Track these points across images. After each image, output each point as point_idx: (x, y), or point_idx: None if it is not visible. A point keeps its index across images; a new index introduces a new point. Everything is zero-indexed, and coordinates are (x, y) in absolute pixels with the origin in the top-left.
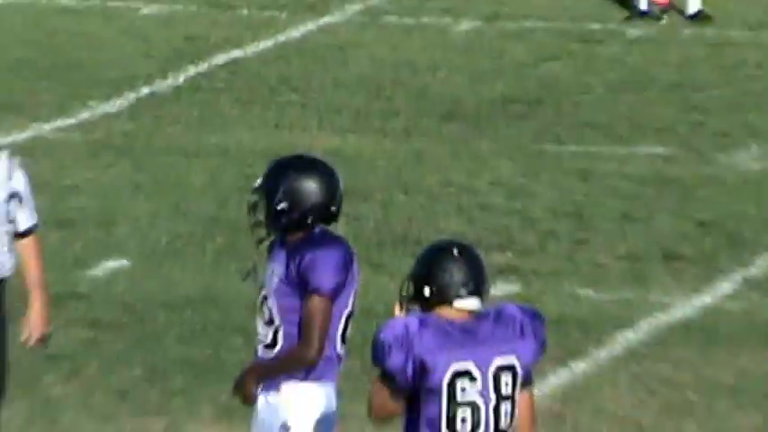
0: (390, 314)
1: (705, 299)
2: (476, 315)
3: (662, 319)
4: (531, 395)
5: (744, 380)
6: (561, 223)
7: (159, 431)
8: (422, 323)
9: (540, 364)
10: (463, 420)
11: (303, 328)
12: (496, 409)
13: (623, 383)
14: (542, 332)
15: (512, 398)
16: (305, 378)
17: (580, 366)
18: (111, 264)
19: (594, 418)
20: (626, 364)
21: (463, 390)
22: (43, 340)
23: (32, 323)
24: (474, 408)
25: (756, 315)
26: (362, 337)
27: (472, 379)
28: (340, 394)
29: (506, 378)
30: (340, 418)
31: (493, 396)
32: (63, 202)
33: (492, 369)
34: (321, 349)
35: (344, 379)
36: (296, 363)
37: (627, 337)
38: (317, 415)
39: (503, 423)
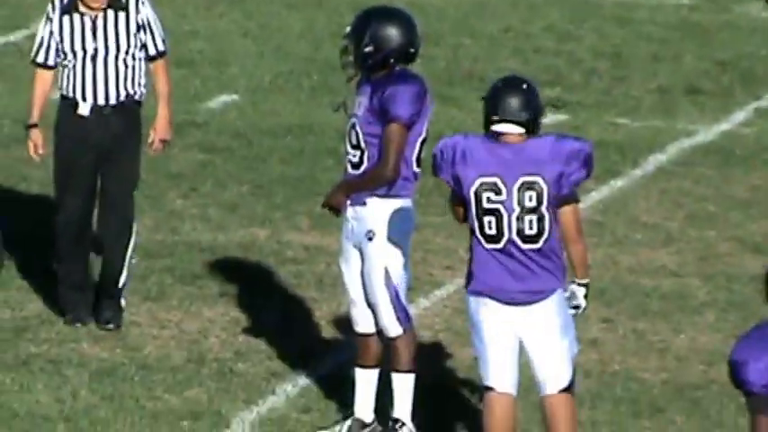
0: None
1: (723, 126)
2: (521, 139)
3: (687, 143)
4: (574, 210)
5: (755, 194)
6: (602, 63)
7: (264, 239)
8: (465, 141)
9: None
10: (489, 225)
11: (382, 150)
12: (520, 218)
13: (654, 197)
14: (576, 159)
15: (537, 210)
16: (386, 194)
17: (618, 183)
18: (224, 97)
19: (629, 226)
20: (656, 181)
21: (488, 200)
22: (164, 144)
23: (158, 128)
24: (498, 216)
25: (766, 139)
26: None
27: (498, 192)
28: (416, 206)
29: (530, 194)
30: (416, 227)
31: (516, 207)
32: (183, 45)
33: (516, 185)
34: (396, 169)
35: (419, 194)
36: (375, 180)
37: (657, 158)
38: (396, 223)
39: (527, 230)
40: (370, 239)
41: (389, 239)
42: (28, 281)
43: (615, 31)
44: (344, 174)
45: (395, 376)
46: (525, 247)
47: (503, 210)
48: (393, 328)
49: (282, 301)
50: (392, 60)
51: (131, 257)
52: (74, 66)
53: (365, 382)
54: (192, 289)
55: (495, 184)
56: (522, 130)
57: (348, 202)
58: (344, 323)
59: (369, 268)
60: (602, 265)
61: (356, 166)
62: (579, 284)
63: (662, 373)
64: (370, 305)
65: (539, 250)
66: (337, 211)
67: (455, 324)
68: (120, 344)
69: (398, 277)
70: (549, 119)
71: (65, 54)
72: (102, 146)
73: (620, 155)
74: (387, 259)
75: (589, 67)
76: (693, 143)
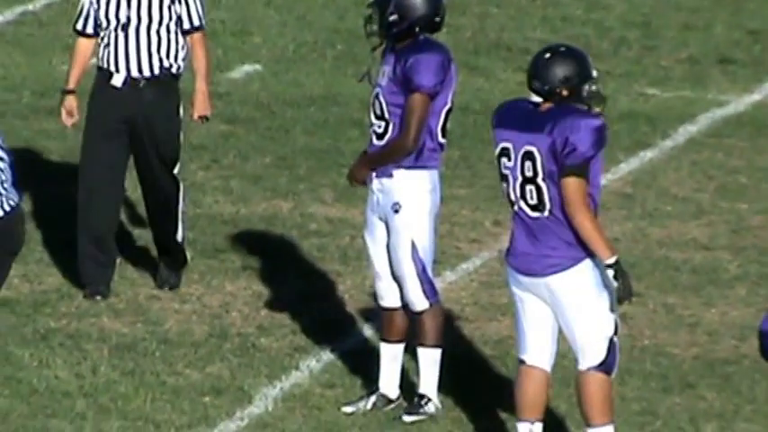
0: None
1: (755, 96)
2: (544, 108)
3: (718, 113)
4: (571, 183)
5: None
6: (631, 32)
7: (287, 212)
8: (509, 104)
9: (613, 152)
10: (505, 190)
11: (404, 120)
12: (522, 187)
13: (684, 169)
14: (575, 133)
15: (534, 181)
16: (412, 165)
17: (647, 155)
18: (247, 67)
19: (660, 198)
20: (687, 153)
21: (504, 165)
22: (203, 119)
23: (196, 104)
24: (507, 181)
25: None
26: (462, 130)
27: (509, 158)
28: (442, 178)
29: (528, 163)
30: (442, 199)
31: (519, 176)
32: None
33: (521, 153)
34: (418, 139)
35: (445, 166)
36: (397, 151)
37: (688, 130)
38: (423, 195)
39: (529, 199)
40: (396, 212)
41: (416, 212)
42: (47, 254)
43: None
44: (369, 143)
45: (421, 351)
46: (533, 214)
47: (510, 176)
48: (419, 302)
49: (306, 274)
50: (417, 29)
51: (183, 211)
52: (108, 35)
53: (390, 357)
54: (214, 262)
55: (508, 150)
56: (538, 99)
57: (373, 174)
58: (369, 297)
59: (395, 241)
60: (631, 239)
61: (381, 136)
62: (606, 265)
63: (692, 348)
64: (396, 279)
65: (548, 219)
66: (358, 182)
67: (482, 298)
68: (141, 318)
69: (425, 250)
70: None
71: (101, 23)
72: (135, 119)
73: (649, 126)
74: (413, 232)
75: (618, 37)
76: (725, 114)
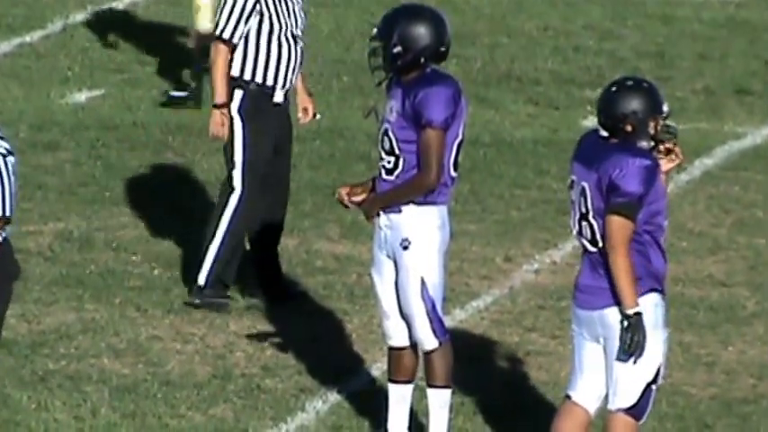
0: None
1: None
2: (608, 142)
3: (734, 146)
4: (612, 222)
5: None
6: (645, 62)
7: (292, 248)
8: (587, 133)
9: None
10: (570, 222)
11: (421, 157)
12: (579, 222)
13: (701, 203)
14: (620, 170)
15: (587, 218)
16: (422, 200)
17: None
18: None
19: (675, 234)
20: (703, 186)
21: (570, 198)
22: (314, 116)
23: (303, 104)
24: (573, 214)
25: None
26: (471, 163)
27: (573, 191)
28: (451, 214)
29: (581, 199)
30: (452, 234)
31: (578, 210)
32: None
33: (579, 188)
34: (440, 175)
35: (455, 201)
36: (418, 189)
37: (704, 163)
38: (432, 231)
39: (585, 234)
40: (406, 248)
41: (425, 248)
42: (45, 293)
43: (659, 29)
44: (378, 178)
45: (430, 392)
46: (591, 248)
47: (571, 210)
48: (429, 341)
49: (312, 313)
50: (423, 60)
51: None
52: (273, 48)
53: (399, 397)
54: None
55: (573, 182)
56: (604, 134)
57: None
58: (377, 336)
59: (404, 279)
60: None
61: (390, 171)
62: (624, 314)
63: (709, 387)
64: (405, 317)
65: (602, 255)
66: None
67: (492, 336)
68: (142, 359)
69: (435, 288)
70: (591, 121)
71: (263, 35)
72: (280, 137)
73: None
74: (423, 269)
75: (632, 67)
76: (742, 146)
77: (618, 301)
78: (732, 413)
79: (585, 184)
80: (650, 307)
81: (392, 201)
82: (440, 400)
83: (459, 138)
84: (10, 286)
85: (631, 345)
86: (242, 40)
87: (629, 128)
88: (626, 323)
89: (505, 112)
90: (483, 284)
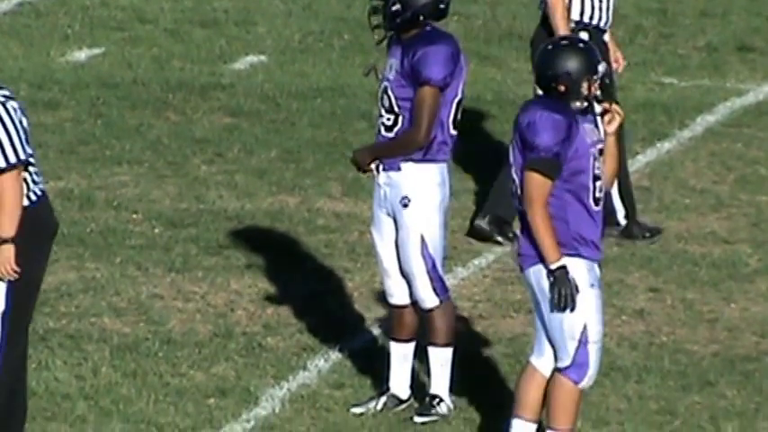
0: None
1: None
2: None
3: (737, 102)
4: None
5: None
6: (648, 19)
7: (293, 206)
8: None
9: (629, 144)
10: None
11: (414, 114)
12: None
13: (703, 160)
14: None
15: (517, 173)
16: (422, 158)
17: (665, 146)
18: (251, 58)
19: (677, 191)
20: (705, 143)
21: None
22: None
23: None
24: None
25: None
26: (471, 122)
27: None
28: (453, 171)
29: (511, 156)
30: (453, 192)
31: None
32: (207, 3)
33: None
34: (429, 134)
35: (456, 158)
36: (407, 145)
37: (706, 119)
38: (432, 189)
39: (515, 192)
40: (405, 206)
41: (425, 206)
42: None
43: None
44: (377, 135)
45: (431, 350)
46: (519, 207)
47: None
48: (429, 300)
49: (313, 271)
50: (422, 17)
51: None
52: None
53: (400, 356)
54: (218, 260)
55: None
56: (539, 92)
57: (380, 166)
58: (378, 294)
59: (404, 237)
60: None
61: (390, 129)
62: (547, 270)
63: (712, 344)
64: (405, 275)
65: (522, 215)
66: (360, 167)
67: (495, 294)
68: (143, 318)
69: (435, 246)
70: None
71: None
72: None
73: (666, 116)
74: (423, 227)
75: (634, 24)
76: (744, 103)
77: (541, 259)
78: (735, 370)
79: (514, 143)
80: (572, 270)
81: (382, 153)
82: (441, 359)
83: (459, 96)
84: (44, 244)
85: (560, 299)
86: None
87: (561, 88)
88: (551, 278)
89: (507, 69)
90: (485, 242)
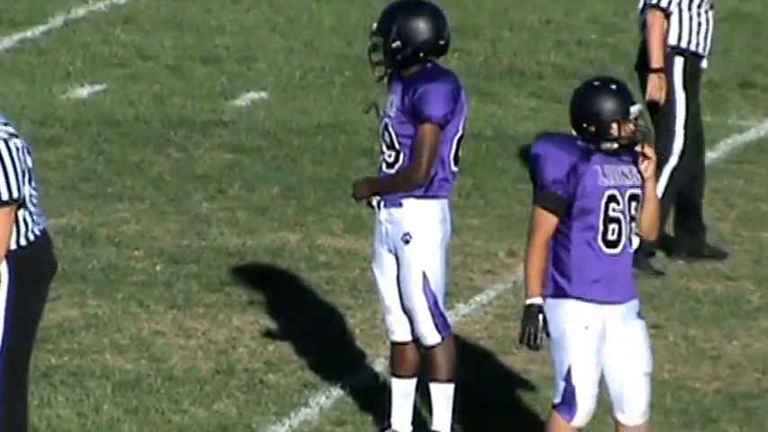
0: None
1: None
2: None
3: (738, 139)
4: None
5: None
6: None
7: (294, 243)
8: None
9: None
10: None
11: (414, 151)
12: None
13: (705, 197)
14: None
15: None
16: (423, 195)
17: None
18: (252, 95)
19: None
20: (707, 180)
21: None
22: None
23: None
24: None
25: None
26: (474, 158)
27: None
28: (454, 208)
29: None
30: (454, 229)
31: None
32: (210, 40)
33: None
34: (429, 171)
35: (457, 195)
36: (406, 182)
37: (708, 156)
38: (433, 225)
39: None
40: (407, 243)
41: (427, 242)
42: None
43: None
44: (378, 171)
45: (433, 386)
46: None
47: None
48: (431, 336)
49: (314, 308)
50: (422, 54)
51: None
52: (703, 12)
53: (402, 392)
54: (220, 296)
55: None
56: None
57: (382, 203)
58: (380, 331)
59: (405, 273)
60: None
61: (391, 165)
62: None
63: (714, 381)
64: (407, 312)
65: None
66: (358, 198)
67: (496, 331)
68: (145, 354)
69: (436, 282)
70: None
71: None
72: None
73: None
74: (424, 264)
75: (635, 60)
76: (745, 140)
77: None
78: (737, 407)
79: None
80: (555, 309)
81: (381, 187)
82: (442, 395)
83: (460, 133)
84: (42, 284)
85: (523, 336)
86: (676, 7)
87: (591, 129)
88: (522, 313)
89: (508, 105)
90: (486, 279)
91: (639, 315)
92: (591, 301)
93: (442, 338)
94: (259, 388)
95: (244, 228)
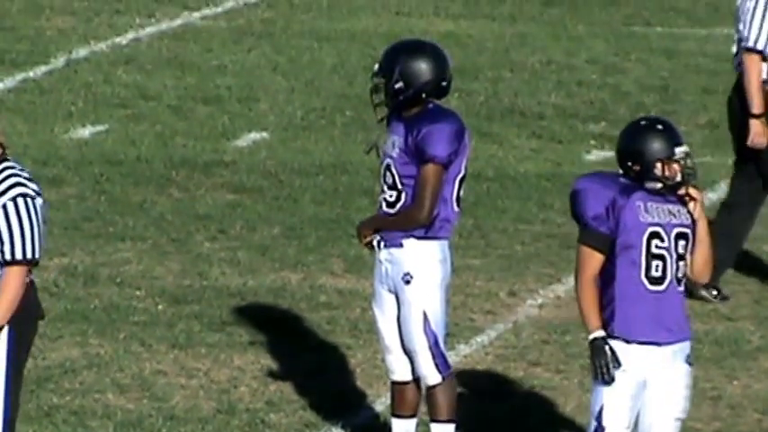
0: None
1: None
2: None
3: None
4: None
5: None
6: (649, 96)
7: (296, 283)
8: None
9: None
10: None
11: (417, 192)
12: None
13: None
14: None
15: None
16: (424, 235)
17: None
18: (253, 135)
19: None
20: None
21: None
22: None
23: None
24: None
25: None
26: (474, 198)
27: None
28: (454, 248)
29: None
30: (455, 269)
31: None
32: (211, 80)
33: None
34: (432, 212)
35: (458, 236)
36: (409, 222)
37: (709, 197)
38: (434, 266)
39: None
40: (408, 283)
41: (427, 283)
42: (50, 328)
43: (663, 63)
44: (379, 210)
45: (434, 426)
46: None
47: None
48: (432, 376)
49: (315, 348)
50: (424, 95)
51: None
52: None
53: None
54: (221, 336)
55: None
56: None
57: (382, 243)
58: (380, 371)
59: (406, 313)
60: None
61: (392, 205)
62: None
63: (714, 422)
64: (407, 352)
65: None
66: (361, 238)
67: (497, 371)
68: (147, 394)
69: (437, 322)
70: (594, 155)
71: None
72: None
73: None
74: (425, 304)
75: (636, 101)
76: None
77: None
78: None
79: None
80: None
81: (384, 226)
82: None
83: (462, 173)
84: (30, 328)
85: (596, 371)
86: None
87: (636, 167)
88: (590, 349)
89: (509, 146)
90: (487, 319)
91: (689, 360)
92: (633, 342)
93: (443, 378)
94: (260, 428)
95: (245, 268)
